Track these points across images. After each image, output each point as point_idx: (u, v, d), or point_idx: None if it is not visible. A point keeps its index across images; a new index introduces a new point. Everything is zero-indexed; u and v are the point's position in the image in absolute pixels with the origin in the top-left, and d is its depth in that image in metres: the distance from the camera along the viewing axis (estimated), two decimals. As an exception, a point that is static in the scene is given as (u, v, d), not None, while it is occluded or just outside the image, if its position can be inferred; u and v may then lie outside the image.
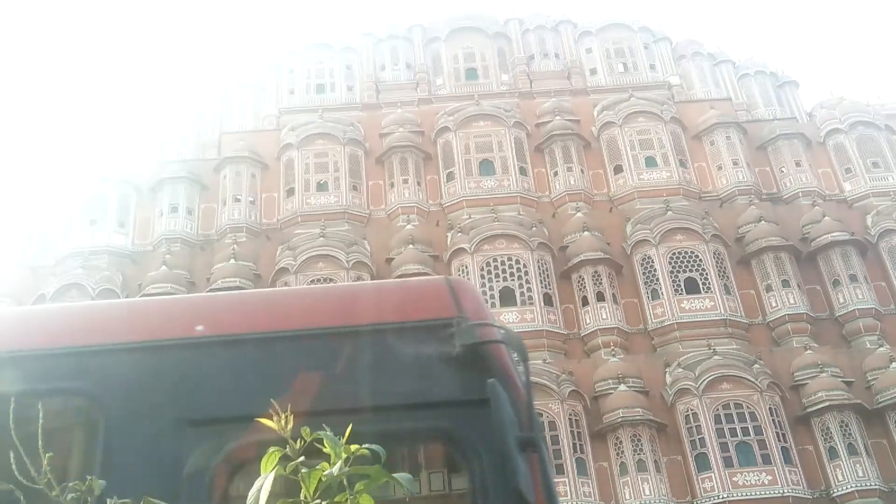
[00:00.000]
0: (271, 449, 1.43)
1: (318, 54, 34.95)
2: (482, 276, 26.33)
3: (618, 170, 30.29)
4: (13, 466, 1.44)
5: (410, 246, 27.05)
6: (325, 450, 1.45)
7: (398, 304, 2.71)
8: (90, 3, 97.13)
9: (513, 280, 26.54)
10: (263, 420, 1.49)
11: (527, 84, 33.89)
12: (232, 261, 26.84)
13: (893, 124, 32.10)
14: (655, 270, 26.82)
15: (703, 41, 37.03)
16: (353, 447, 1.45)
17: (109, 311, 3.33)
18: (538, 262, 26.72)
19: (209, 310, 2.92)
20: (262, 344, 2.49)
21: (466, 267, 26.68)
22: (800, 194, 29.80)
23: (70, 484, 1.41)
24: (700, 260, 26.76)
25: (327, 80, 34.30)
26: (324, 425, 1.49)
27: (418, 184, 29.95)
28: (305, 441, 1.44)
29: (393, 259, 26.90)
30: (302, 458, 1.43)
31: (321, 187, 29.76)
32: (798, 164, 30.69)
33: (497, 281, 26.48)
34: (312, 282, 26.08)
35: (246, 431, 2.12)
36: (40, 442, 1.44)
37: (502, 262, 26.76)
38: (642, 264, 27.19)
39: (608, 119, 31.14)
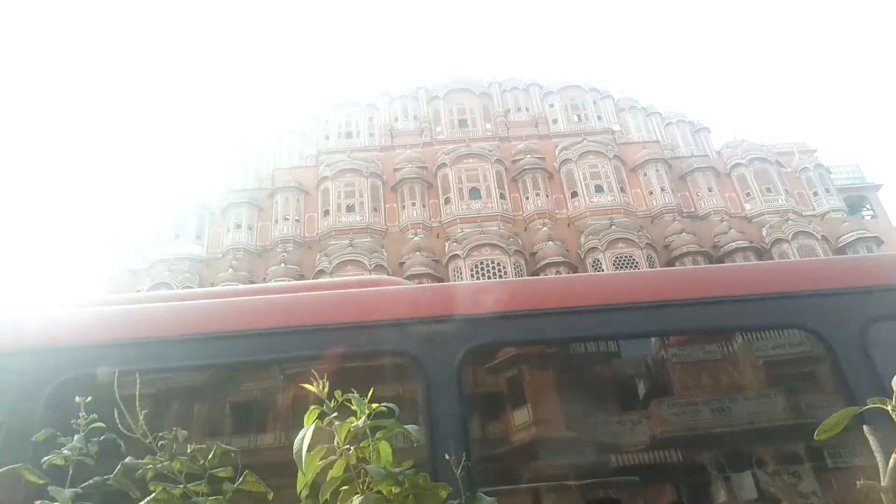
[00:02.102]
0: (311, 407, 1.42)
1: (346, 109, 34.97)
2: (472, 276, 26.31)
3: (574, 195, 30.31)
4: (116, 419, 1.43)
5: (417, 253, 27.01)
6: (352, 407, 1.45)
7: None
8: (181, 65, 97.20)
9: (495, 279, 26.50)
10: (305, 385, 1.47)
11: (505, 131, 33.93)
12: (282, 265, 26.78)
13: (782, 159, 32.16)
14: (603, 270, 26.81)
15: (637, 98, 37.09)
16: (374, 406, 1.45)
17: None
18: (514, 264, 26.71)
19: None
20: None
21: (460, 269, 26.65)
22: (711, 213, 29.85)
23: (161, 433, 1.41)
24: (637, 262, 26.78)
25: (354, 128, 34.32)
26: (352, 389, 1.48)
27: (423, 206, 29.94)
28: (338, 401, 1.44)
29: (404, 262, 26.89)
30: (335, 414, 1.43)
31: (349, 209, 29.74)
32: (710, 190, 30.76)
33: (483, 279, 26.45)
34: (343, 281, 26.05)
35: None
36: (137, 402, 1.44)
37: (487, 265, 26.74)
38: (593, 266, 27.19)
39: (566, 157, 31.17)
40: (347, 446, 1.39)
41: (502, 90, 36.23)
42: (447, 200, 30.10)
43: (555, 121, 34.74)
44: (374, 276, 3.66)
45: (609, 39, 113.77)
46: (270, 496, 1.47)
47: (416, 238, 28.09)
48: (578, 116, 34.95)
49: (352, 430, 1.42)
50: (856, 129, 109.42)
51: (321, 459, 1.38)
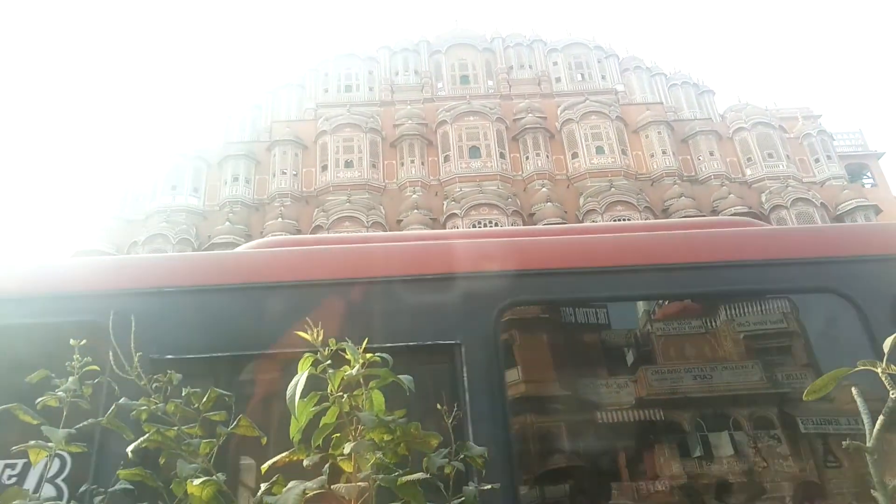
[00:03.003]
0: (305, 354, 1.43)
1: (346, 62, 34.43)
2: (469, 235, 26.21)
3: (574, 156, 30.09)
4: (111, 363, 1.44)
5: (415, 211, 26.93)
6: (346, 356, 1.46)
7: None
8: (178, 24, 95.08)
9: (492, 238, 26.43)
10: (299, 332, 1.47)
11: (507, 88, 33.49)
12: (279, 219, 26.72)
13: (785, 124, 31.89)
14: (600, 233, 26.77)
15: (642, 58, 36.54)
16: (368, 355, 1.46)
17: None
18: (512, 225, 26.64)
19: None
20: None
21: (458, 228, 26.59)
22: (712, 177, 29.71)
23: (155, 376, 1.42)
24: (634, 226, 26.72)
25: (354, 82, 33.83)
26: (346, 338, 1.49)
27: (422, 164, 29.73)
28: (332, 349, 1.45)
29: (402, 220, 26.84)
30: (329, 362, 1.43)
31: (348, 165, 29.53)
32: (711, 154, 30.55)
33: (480, 238, 26.39)
34: (341, 236, 26.01)
35: None
36: (132, 344, 1.45)
37: (485, 225, 26.66)
38: (591, 228, 27.13)
39: (568, 117, 30.84)
40: (341, 394, 1.41)
41: (505, 46, 35.60)
42: (446, 158, 29.88)
43: (558, 79, 34.26)
44: (736, 218, 3.89)
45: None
46: (264, 440, 1.49)
47: (414, 196, 27.98)
48: (582, 75, 34.46)
49: (345, 378, 1.42)
50: (862, 96, 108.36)
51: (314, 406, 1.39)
